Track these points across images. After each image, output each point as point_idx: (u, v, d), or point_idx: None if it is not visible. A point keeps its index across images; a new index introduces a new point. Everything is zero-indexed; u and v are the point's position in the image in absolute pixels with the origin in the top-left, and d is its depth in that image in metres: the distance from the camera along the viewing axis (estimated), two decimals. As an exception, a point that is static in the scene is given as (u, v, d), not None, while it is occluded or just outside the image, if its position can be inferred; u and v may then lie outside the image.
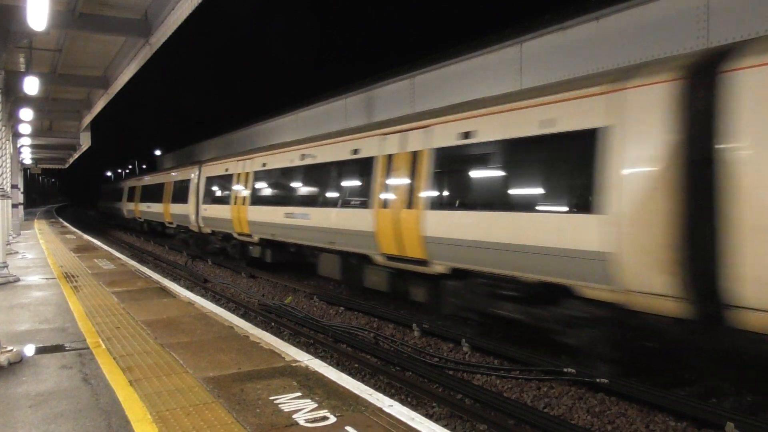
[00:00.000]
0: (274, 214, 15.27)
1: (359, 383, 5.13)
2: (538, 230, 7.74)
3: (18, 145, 29.17)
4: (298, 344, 9.24)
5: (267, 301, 13.32)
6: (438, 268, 9.74)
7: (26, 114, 19.21)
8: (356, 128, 13.41)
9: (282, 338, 8.50)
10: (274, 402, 4.58)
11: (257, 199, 16.61)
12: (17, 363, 5.73)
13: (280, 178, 15.53)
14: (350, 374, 6.56)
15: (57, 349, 6.31)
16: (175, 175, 26.02)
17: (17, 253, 16.72)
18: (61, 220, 43.58)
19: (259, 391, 4.83)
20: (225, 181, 19.27)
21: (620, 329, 7.17)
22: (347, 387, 4.96)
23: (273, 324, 11.33)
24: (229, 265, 19.57)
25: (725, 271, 5.65)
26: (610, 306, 7.03)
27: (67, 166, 52.78)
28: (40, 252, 17.34)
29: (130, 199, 36.03)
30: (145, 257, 23.43)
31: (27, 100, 19.05)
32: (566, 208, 7.49)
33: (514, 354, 8.57)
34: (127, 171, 79.31)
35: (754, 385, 6.84)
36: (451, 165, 9.48)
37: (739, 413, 6.15)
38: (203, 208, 21.14)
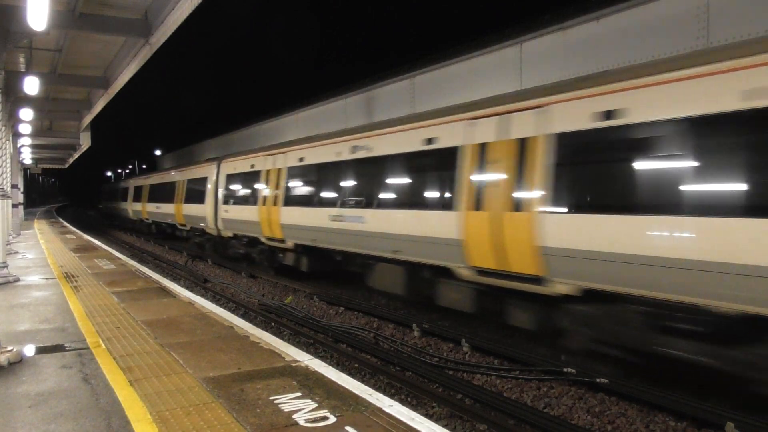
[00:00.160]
0: (316, 217, 13.27)
1: (359, 383, 5.13)
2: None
3: (18, 145, 29.17)
4: (298, 344, 9.24)
5: (267, 301, 13.32)
6: (560, 288, 7.67)
7: (26, 114, 19.22)
8: (429, 113, 11.13)
9: (282, 338, 8.50)
10: (274, 402, 4.58)
11: (293, 200, 14.60)
12: (17, 363, 5.73)
13: (323, 174, 13.43)
14: (350, 374, 6.56)
15: (57, 349, 6.31)
16: (190, 173, 23.92)
17: (17, 253, 16.72)
18: (61, 220, 43.58)
19: (259, 391, 4.83)
20: (251, 178, 17.31)
21: None
22: (347, 387, 4.96)
23: (273, 324, 11.32)
24: (229, 265, 19.57)
25: None
26: None
27: (67, 166, 52.80)
28: (40, 252, 17.33)
29: (137, 199, 34.34)
30: (145, 257, 23.43)
31: (27, 100, 19.05)
32: None
33: (514, 354, 8.57)
34: (127, 171, 79.31)
35: (754, 385, 6.84)
36: (585, 153, 7.44)
37: (739, 413, 6.15)
38: (223, 209, 19.27)
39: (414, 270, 10.63)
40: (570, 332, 7.85)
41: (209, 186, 20.91)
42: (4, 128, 14.66)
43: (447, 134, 9.59)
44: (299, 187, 14.51)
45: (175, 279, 16.45)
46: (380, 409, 4.42)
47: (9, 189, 15.51)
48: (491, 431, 6.23)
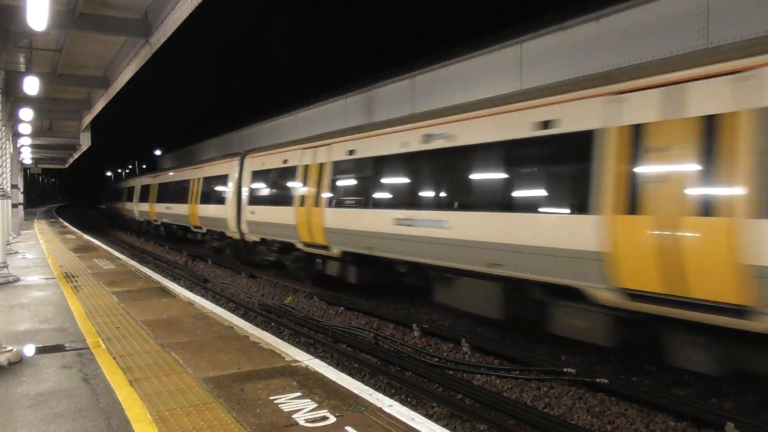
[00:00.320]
0: (374, 221, 11.30)
1: (359, 383, 5.13)
2: None
3: (18, 145, 29.18)
4: (298, 344, 9.24)
5: (267, 301, 13.32)
6: None
7: (26, 114, 19.22)
8: (543, 89, 8.91)
9: (282, 338, 8.50)
10: (274, 402, 4.58)
11: (341, 200, 12.61)
12: (17, 363, 5.73)
13: (382, 169, 11.38)
14: (350, 374, 6.56)
15: (57, 349, 6.31)
16: (206, 170, 21.88)
17: (17, 253, 16.72)
18: (61, 220, 43.57)
19: (259, 391, 4.83)
20: (284, 175, 15.33)
21: None
22: (347, 387, 4.97)
23: (273, 324, 11.33)
24: (229, 265, 19.58)
25: None
26: None
27: (67, 166, 52.83)
28: (40, 252, 17.34)
29: (143, 198, 32.35)
30: (145, 257, 23.43)
31: (27, 100, 19.05)
32: None
33: (514, 354, 8.57)
34: (127, 171, 79.34)
35: (754, 386, 6.84)
36: None
37: (739, 413, 6.15)
38: (249, 211, 17.20)
39: (517, 288, 8.62)
40: None
41: (231, 184, 18.93)
42: (4, 128, 14.67)
43: (576, 115, 7.52)
44: (349, 185, 12.49)
45: (175, 279, 16.45)
46: (380, 409, 4.42)
47: (9, 189, 15.51)
48: (491, 431, 6.23)
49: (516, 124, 8.37)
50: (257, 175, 17.09)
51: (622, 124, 6.91)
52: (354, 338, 9.93)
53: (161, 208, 28.19)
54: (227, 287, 15.71)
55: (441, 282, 10.21)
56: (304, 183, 14.06)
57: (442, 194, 9.85)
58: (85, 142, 31.58)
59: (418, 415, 4.37)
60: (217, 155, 26.47)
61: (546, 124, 7.90)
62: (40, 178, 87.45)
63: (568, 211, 7.58)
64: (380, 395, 4.79)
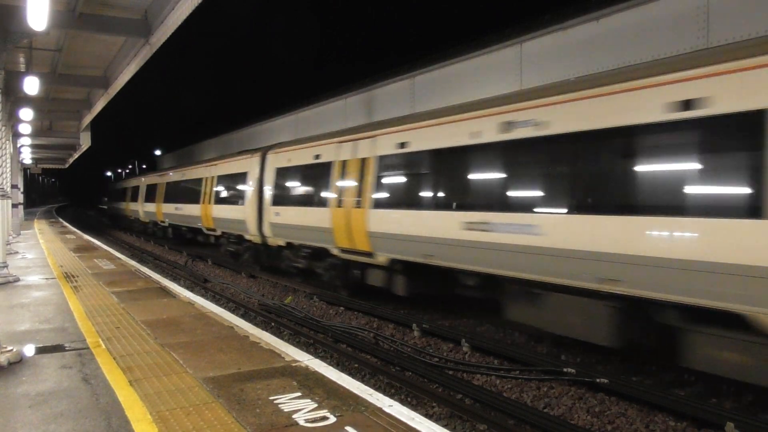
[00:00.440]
0: (435, 224, 9.79)
1: (359, 383, 5.13)
2: None
3: (18, 145, 29.19)
4: (298, 344, 9.24)
5: (267, 301, 13.32)
6: None
7: (26, 114, 19.22)
8: (670, 61, 7.28)
9: (282, 338, 8.50)
10: (274, 402, 4.58)
11: (389, 200, 11.13)
12: (17, 363, 5.73)
13: (445, 164, 9.87)
14: (350, 374, 6.56)
15: (57, 349, 6.31)
16: (221, 168, 20.32)
17: (17, 253, 16.72)
18: (61, 220, 43.58)
19: (259, 391, 4.83)
20: (315, 173, 13.76)
21: None
22: (347, 387, 4.96)
23: (273, 324, 11.33)
24: (229, 265, 19.57)
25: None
26: None
27: (67, 166, 52.82)
28: (40, 252, 17.34)
29: (149, 198, 30.82)
30: (145, 257, 23.43)
31: (27, 100, 19.07)
32: None
33: (514, 354, 8.57)
34: (127, 171, 79.34)
35: (754, 385, 6.84)
36: None
37: (739, 413, 6.15)
38: (273, 212, 15.70)
39: (636, 310, 7.12)
40: None
41: (250, 183, 17.35)
42: (4, 128, 14.67)
43: (739, 91, 5.83)
44: (400, 184, 11.01)
45: (175, 279, 16.45)
46: (380, 409, 4.42)
47: (9, 189, 15.51)
48: (491, 431, 6.23)
49: (632, 106, 6.83)
50: (282, 173, 15.56)
51: None
52: (354, 338, 9.94)
53: (169, 208, 26.61)
54: (227, 287, 15.71)
55: (521, 298, 8.66)
56: (342, 181, 12.59)
57: (532, 194, 8.27)
58: (85, 142, 31.57)
59: (418, 415, 4.37)
60: (216, 155, 26.41)
61: (687, 104, 6.29)
62: (40, 178, 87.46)
63: (728, 215, 5.85)
64: (380, 395, 4.79)
